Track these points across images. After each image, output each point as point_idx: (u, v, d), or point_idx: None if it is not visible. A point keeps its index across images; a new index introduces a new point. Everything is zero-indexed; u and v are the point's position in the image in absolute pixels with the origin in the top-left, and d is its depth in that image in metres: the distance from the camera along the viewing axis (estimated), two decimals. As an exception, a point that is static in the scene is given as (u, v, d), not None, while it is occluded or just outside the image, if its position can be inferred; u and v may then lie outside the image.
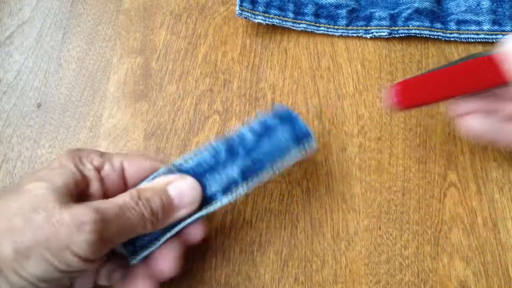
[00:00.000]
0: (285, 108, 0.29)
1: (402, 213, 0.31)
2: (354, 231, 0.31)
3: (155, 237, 0.26)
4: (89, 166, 0.25)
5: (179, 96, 0.35)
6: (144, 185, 0.26)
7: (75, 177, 0.24)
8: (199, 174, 0.27)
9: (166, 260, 0.26)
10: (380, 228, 0.31)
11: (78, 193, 0.24)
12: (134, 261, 0.26)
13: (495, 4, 0.37)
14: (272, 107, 0.28)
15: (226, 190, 0.27)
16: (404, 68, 0.36)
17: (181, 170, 0.27)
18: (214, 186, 0.27)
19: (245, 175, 0.27)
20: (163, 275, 0.26)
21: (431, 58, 0.36)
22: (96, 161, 0.26)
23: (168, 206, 0.25)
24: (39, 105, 0.35)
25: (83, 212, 0.22)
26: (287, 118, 0.28)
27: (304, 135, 0.28)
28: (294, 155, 0.28)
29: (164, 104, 0.35)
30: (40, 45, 0.37)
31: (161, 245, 0.26)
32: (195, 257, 0.30)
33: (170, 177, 0.26)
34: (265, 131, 0.28)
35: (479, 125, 0.28)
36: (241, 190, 0.27)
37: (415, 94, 0.28)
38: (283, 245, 0.31)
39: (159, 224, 0.25)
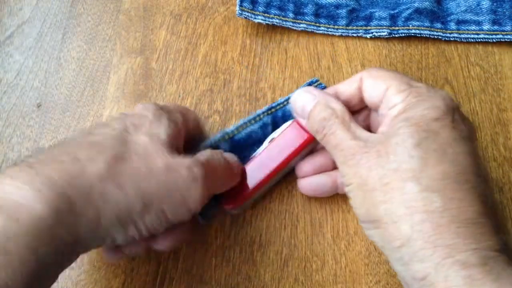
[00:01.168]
0: (320, 85, 0.33)
1: (402, 213, 0.31)
2: (354, 231, 0.31)
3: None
4: (179, 117, 0.27)
5: (179, 96, 0.35)
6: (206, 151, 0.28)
7: (171, 128, 0.25)
8: (250, 144, 0.31)
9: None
10: (380, 228, 0.31)
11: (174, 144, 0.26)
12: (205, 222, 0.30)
13: (495, 4, 0.37)
14: (309, 80, 0.33)
15: None
16: (404, 68, 0.36)
17: (233, 139, 0.31)
18: None
19: None
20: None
21: (431, 58, 0.36)
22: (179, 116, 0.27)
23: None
24: (39, 105, 0.35)
25: (196, 164, 0.24)
26: None
27: None
28: None
29: (164, 104, 0.35)
30: (40, 45, 0.37)
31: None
32: (195, 257, 0.30)
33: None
34: None
35: (309, 185, 0.30)
36: None
37: (244, 191, 0.29)
38: (283, 245, 0.31)
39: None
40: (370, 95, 0.26)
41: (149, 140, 0.24)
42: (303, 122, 0.28)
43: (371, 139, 0.24)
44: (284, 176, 0.32)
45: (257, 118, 0.32)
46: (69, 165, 0.21)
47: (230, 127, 0.31)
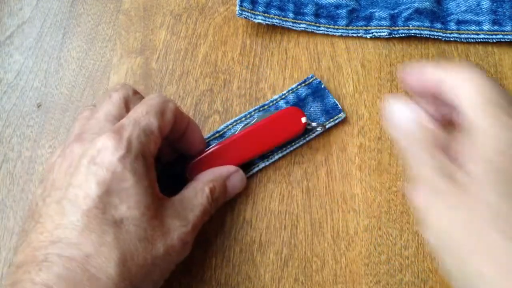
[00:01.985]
0: (315, 80, 0.34)
1: (402, 213, 0.31)
2: (354, 231, 0.31)
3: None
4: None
5: (179, 96, 0.35)
6: (209, 173, 0.29)
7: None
8: None
9: None
10: (380, 228, 0.31)
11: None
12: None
13: (495, 4, 0.37)
14: (305, 78, 0.34)
15: (262, 157, 0.32)
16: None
17: (223, 136, 0.32)
18: None
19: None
20: None
21: (431, 58, 0.36)
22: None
23: (224, 198, 0.30)
24: (39, 105, 0.35)
25: (190, 235, 0.26)
26: (318, 91, 0.34)
27: (333, 109, 0.33)
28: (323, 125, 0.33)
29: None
30: (40, 45, 0.37)
31: None
32: (195, 257, 0.30)
33: (230, 169, 0.30)
34: (297, 102, 0.33)
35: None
36: (276, 157, 0.32)
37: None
38: (283, 245, 0.31)
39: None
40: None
41: (138, 212, 0.23)
42: (395, 134, 0.24)
43: (460, 180, 0.21)
44: (283, 176, 0.32)
45: (248, 116, 0.33)
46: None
47: (221, 126, 0.32)
